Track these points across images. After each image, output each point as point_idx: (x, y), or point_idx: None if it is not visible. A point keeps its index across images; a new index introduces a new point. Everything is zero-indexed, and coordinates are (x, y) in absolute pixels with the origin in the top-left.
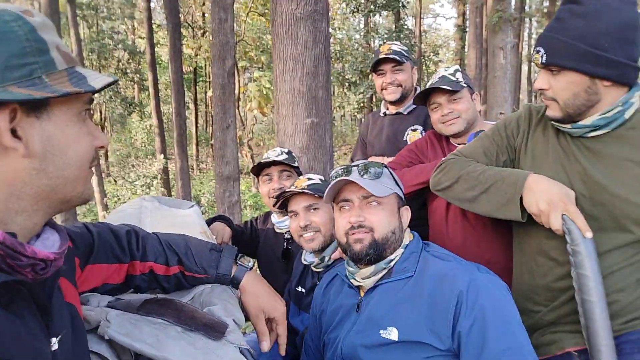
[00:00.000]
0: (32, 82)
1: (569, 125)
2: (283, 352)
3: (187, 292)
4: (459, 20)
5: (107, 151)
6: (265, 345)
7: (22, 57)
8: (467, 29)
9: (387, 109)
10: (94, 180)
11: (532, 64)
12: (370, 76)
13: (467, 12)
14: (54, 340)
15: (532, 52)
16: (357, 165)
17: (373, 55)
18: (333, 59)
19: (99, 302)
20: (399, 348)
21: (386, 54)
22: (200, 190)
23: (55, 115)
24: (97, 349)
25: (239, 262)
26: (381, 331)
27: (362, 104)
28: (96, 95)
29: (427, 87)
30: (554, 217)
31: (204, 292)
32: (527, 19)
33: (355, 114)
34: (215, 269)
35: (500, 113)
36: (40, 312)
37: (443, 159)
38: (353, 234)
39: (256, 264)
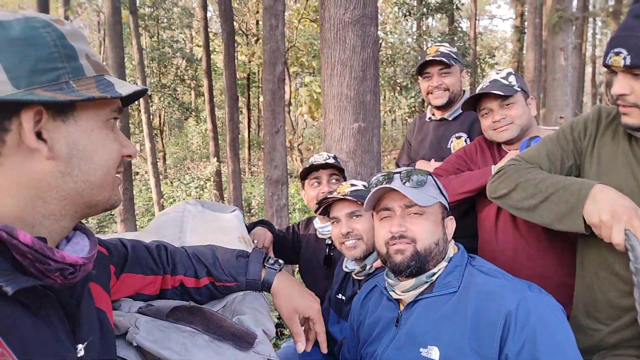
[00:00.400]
0: (59, 86)
1: None
2: (325, 350)
3: (219, 300)
4: (517, 21)
5: (165, 154)
6: (301, 346)
7: (49, 61)
8: (526, 30)
9: (433, 114)
10: (152, 181)
11: (601, 65)
12: None
13: (526, 13)
14: (80, 346)
15: (607, 53)
16: (399, 172)
17: (419, 58)
18: (385, 63)
19: (129, 307)
20: None
21: (433, 56)
22: (251, 193)
23: (81, 120)
24: (125, 354)
25: (267, 265)
26: (421, 349)
27: (413, 108)
28: (156, 101)
29: (477, 91)
30: (617, 231)
31: (236, 300)
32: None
33: (406, 118)
34: (245, 276)
35: (560, 117)
36: (68, 318)
37: (502, 164)
38: (394, 244)
39: (298, 270)
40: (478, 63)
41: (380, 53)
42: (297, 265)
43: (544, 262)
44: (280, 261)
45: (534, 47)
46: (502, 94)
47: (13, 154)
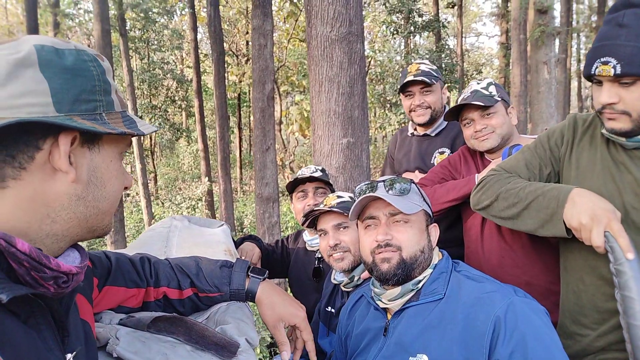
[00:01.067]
0: (94, 117)
1: (623, 138)
2: (314, 358)
3: (202, 312)
4: (502, 37)
5: (155, 175)
6: (286, 355)
7: (92, 93)
8: (511, 46)
9: (415, 129)
10: (143, 202)
11: (583, 78)
12: None
13: (510, 29)
14: (69, 356)
15: (591, 63)
16: (383, 181)
17: (400, 76)
18: (374, 81)
19: (110, 319)
20: None
21: (414, 75)
22: (243, 212)
23: (104, 150)
24: None
25: (251, 274)
26: (410, 358)
27: (402, 124)
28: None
29: (458, 102)
30: (596, 233)
31: (219, 310)
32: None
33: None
34: (228, 286)
35: (546, 129)
36: (58, 327)
37: (483, 176)
38: (379, 252)
39: (287, 284)
40: (465, 79)
41: (370, 71)
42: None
43: (529, 269)
44: (265, 271)
45: (519, 62)
46: (482, 104)
47: (36, 172)
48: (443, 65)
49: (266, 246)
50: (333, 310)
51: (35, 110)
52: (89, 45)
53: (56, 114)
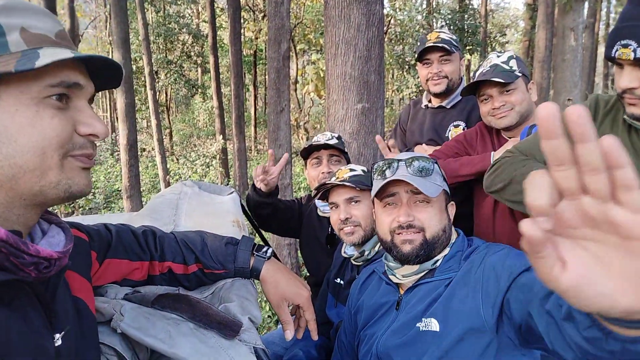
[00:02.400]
0: None
1: None
2: (315, 337)
3: (208, 287)
4: None
5: (171, 131)
6: (289, 334)
7: None
8: (537, 8)
9: (430, 101)
10: (158, 158)
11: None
12: None
13: None
14: (57, 336)
15: (612, 45)
16: (404, 160)
17: (419, 44)
18: (393, 41)
19: (116, 293)
20: (440, 338)
21: (434, 42)
22: None
23: (3, 100)
24: (109, 341)
25: (256, 253)
26: (418, 324)
27: (420, 87)
28: (162, 77)
29: (476, 78)
30: None
31: (224, 287)
32: None
33: (414, 97)
34: (233, 263)
35: (568, 99)
36: (44, 308)
37: (497, 158)
38: (400, 233)
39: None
40: (488, 42)
41: (389, 30)
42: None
43: None
44: (270, 248)
45: (545, 25)
46: (502, 81)
47: None
48: (465, 27)
49: (284, 201)
50: (342, 282)
51: None
52: None
53: None
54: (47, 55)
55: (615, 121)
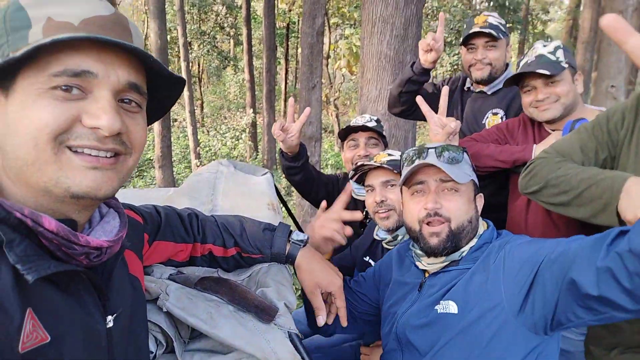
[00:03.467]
0: None
1: None
2: (345, 323)
3: (245, 270)
4: None
5: (202, 102)
6: (322, 320)
7: None
8: None
9: (472, 84)
10: (189, 129)
11: None
12: None
13: None
14: (109, 318)
15: None
16: (434, 148)
17: (465, 27)
18: (430, 17)
19: (161, 274)
20: (457, 320)
21: (481, 27)
22: None
23: (17, 93)
24: (155, 319)
25: (292, 240)
26: (436, 307)
27: (455, 67)
28: (195, 48)
29: (520, 69)
30: None
31: (261, 271)
32: None
33: (449, 76)
34: (270, 249)
35: (612, 86)
36: (97, 292)
37: (537, 154)
38: (428, 223)
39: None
40: (530, 19)
41: (425, 5)
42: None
43: None
44: (306, 236)
45: (591, 4)
46: (548, 73)
47: None
48: (507, 3)
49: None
50: (372, 262)
51: None
52: None
53: None
54: (47, 38)
55: None
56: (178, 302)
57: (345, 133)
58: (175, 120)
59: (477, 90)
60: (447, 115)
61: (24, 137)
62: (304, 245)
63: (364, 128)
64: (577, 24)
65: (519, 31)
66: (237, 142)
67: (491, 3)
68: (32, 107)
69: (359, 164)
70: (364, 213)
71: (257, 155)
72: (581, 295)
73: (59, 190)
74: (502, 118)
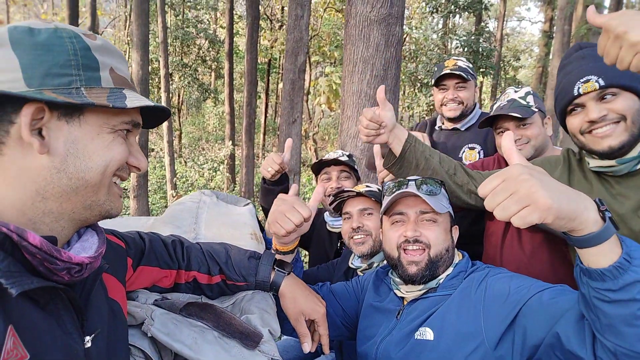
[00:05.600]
0: (68, 91)
1: (614, 162)
2: (327, 351)
3: (229, 297)
4: (546, 25)
5: (181, 133)
6: (307, 347)
7: (65, 67)
8: (554, 36)
9: (443, 123)
10: (166, 159)
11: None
12: None
13: (555, 18)
14: (87, 338)
15: (574, 85)
16: (414, 180)
17: (436, 69)
18: (407, 59)
19: (146, 299)
20: (435, 347)
21: (451, 69)
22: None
23: (87, 124)
24: (139, 344)
25: (277, 268)
26: (415, 334)
27: (431, 107)
28: (176, 79)
29: (494, 112)
30: None
31: (245, 298)
32: None
33: (424, 115)
34: (255, 277)
35: None
36: (76, 312)
37: None
38: (406, 249)
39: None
40: (502, 65)
41: (404, 48)
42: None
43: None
44: (291, 265)
45: (560, 54)
46: (519, 116)
47: (15, 147)
48: (480, 49)
49: None
50: None
51: (5, 86)
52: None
53: (26, 88)
54: (132, 99)
55: (585, 173)
56: (163, 328)
57: (319, 167)
58: (152, 150)
59: (450, 128)
60: None
61: (96, 164)
62: (288, 274)
63: (335, 162)
64: (546, 71)
65: (492, 76)
66: (214, 173)
67: (465, 49)
68: (111, 144)
69: (337, 191)
70: (339, 243)
71: (235, 187)
72: (564, 349)
73: (99, 210)
74: (479, 152)
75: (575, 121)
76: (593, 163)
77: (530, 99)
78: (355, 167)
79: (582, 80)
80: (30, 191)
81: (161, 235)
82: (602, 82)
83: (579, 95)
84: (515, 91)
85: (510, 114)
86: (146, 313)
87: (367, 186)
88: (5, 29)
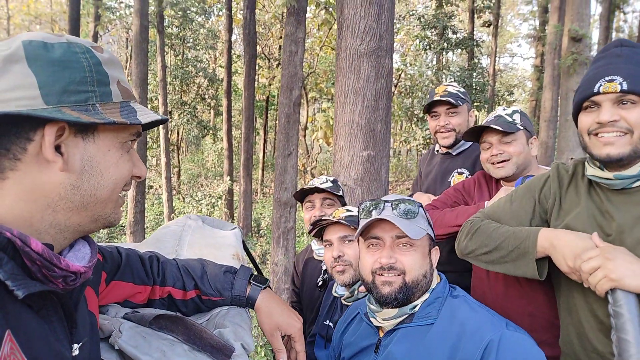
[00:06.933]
0: (85, 107)
1: (611, 175)
2: None
3: (204, 314)
4: (537, 60)
5: (179, 170)
6: None
7: (81, 84)
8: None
9: (440, 147)
10: (164, 196)
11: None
12: None
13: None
14: (75, 346)
15: (597, 81)
16: (390, 202)
17: (428, 96)
18: (403, 94)
19: (116, 312)
20: None
21: (441, 96)
22: (261, 214)
23: (100, 139)
24: (107, 357)
25: (253, 282)
26: None
27: (428, 140)
28: (175, 117)
29: (480, 124)
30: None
31: (220, 313)
32: None
33: (421, 149)
34: (230, 291)
35: (571, 158)
36: (67, 319)
37: (467, 220)
38: (381, 274)
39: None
40: (496, 100)
41: (399, 84)
42: None
43: (534, 301)
44: (267, 280)
45: (551, 87)
46: (501, 129)
47: (31, 163)
48: (474, 84)
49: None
50: (331, 324)
51: (23, 104)
52: (127, 40)
53: (45, 105)
54: (142, 113)
55: (577, 187)
56: (131, 340)
57: (302, 195)
58: (151, 187)
59: (443, 152)
60: (426, 178)
61: (108, 181)
62: (264, 288)
63: (317, 190)
64: (539, 105)
65: (487, 110)
66: (212, 209)
67: (459, 83)
68: (120, 159)
69: (317, 219)
70: (323, 272)
71: (233, 222)
72: None
73: (104, 222)
74: (467, 177)
75: (586, 119)
76: (590, 171)
77: (516, 116)
78: (340, 192)
79: (606, 79)
80: (41, 205)
81: (138, 251)
82: (625, 86)
83: (598, 93)
84: (504, 109)
85: (492, 126)
86: (114, 325)
87: (347, 210)
88: (19, 43)
